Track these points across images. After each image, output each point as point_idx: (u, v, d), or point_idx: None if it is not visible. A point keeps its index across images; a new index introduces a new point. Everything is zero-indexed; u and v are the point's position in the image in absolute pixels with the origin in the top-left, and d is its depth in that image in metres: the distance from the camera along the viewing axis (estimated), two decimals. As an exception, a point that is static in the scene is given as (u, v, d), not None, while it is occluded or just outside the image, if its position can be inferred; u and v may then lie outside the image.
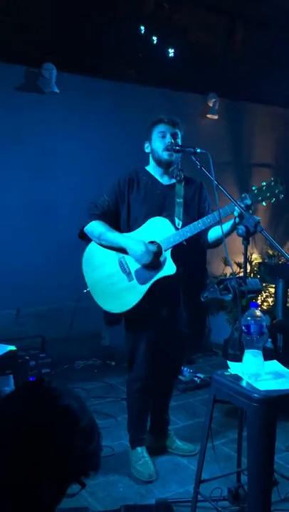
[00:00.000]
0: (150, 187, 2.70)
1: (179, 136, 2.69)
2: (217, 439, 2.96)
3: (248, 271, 4.84)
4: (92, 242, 2.72)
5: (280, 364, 2.13)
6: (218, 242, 2.69)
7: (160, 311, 2.67)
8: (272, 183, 2.45)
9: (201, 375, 4.06)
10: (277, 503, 2.27)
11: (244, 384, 1.92)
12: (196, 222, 2.54)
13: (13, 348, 3.52)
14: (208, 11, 4.63)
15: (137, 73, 4.61)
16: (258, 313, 2.00)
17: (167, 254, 2.59)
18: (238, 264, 4.66)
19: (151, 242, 2.59)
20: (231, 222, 2.48)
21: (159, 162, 2.69)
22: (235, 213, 2.40)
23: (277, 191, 2.43)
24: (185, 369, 4.09)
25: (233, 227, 2.45)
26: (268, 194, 2.45)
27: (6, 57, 3.99)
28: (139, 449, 2.80)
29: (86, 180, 4.30)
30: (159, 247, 2.58)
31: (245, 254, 2.29)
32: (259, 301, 4.73)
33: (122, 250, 2.63)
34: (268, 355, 2.09)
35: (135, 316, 2.63)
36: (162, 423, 2.99)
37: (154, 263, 2.56)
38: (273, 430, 1.85)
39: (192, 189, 2.77)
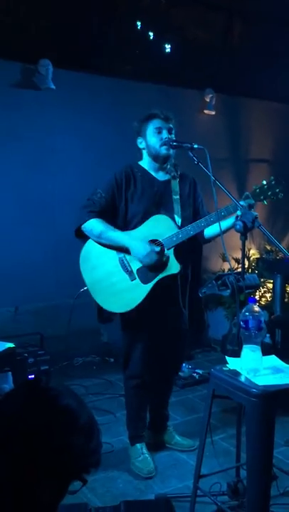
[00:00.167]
0: (147, 183, 2.69)
1: (173, 131, 2.69)
2: (216, 434, 2.97)
3: (246, 266, 4.84)
4: (90, 241, 2.67)
5: (278, 359, 2.13)
6: (214, 238, 2.71)
7: (162, 309, 2.66)
8: (273, 182, 2.46)
9: (200, 371, 4.07)
10: (276, 498, 2.27)
11: (243, 379, 1.93)
12: (198, 221, 2.54)
13: (11, 345, 3.51)
14: (205, 6, 4.61)
15: (134, 69, 4.59)
16: (256, 308, 2.00)
17: (170, 253, 2.58)
18: (236, 260, 4.66)
19: (154, 241, 2.57)
20: (231, 220, 2.47)
21: (156, 158, 2.68)
22: (239, 212, 2.36)
23: (277, 190, 2.44)
24: (184, 365, 4.09)
25: (232, 224, 2.45)
26: (270, 193, 2.46)
27: (2, 53, 3.98)
28: (138, 445, 2.81)
29: (83, 177, 4.28)
30: (162, 246, 2.56)
31: (243, 250, 2.29)
32: (257, 297, 4.73)
33: (123, 249, 2.60)
34: (266, 351, 2.09)
35: (135, 314, 2.59)
36: (162, 419, 3.00)
37: (158, 263, 2.54)
38: (272, 425, 1.86)
39: (186, 185, 2.78)
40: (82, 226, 2.63)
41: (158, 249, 2.53)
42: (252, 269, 4.89)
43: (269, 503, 1.90)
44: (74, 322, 4.14)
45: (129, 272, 2.61)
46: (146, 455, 2.76)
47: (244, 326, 1.97)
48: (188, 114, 4.92)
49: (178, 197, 2.70)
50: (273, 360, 2.12)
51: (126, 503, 1.63)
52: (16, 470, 0.93)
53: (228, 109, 5.28)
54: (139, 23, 4.42)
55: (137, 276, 2.60)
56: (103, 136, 4.41)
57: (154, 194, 2.67)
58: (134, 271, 2.60)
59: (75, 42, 4.19)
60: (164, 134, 2.65)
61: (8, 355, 3.43)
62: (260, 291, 4.85)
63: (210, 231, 2.66)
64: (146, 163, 2.75)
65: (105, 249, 2.64)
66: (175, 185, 2.72)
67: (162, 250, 2.55)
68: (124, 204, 2.65)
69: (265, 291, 4.93)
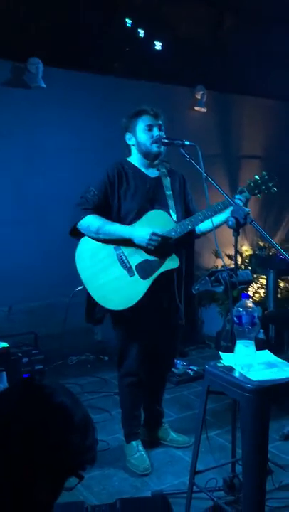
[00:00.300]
0: (139, 180, 2.68)
1: (163, 127, 2.68)
2: (211, 430, 2.98)
3: (239, 263, 4.87)
4: (85, 238, 2.64)
5: (272, 354, 2.14)
6: (206, 233, 2.74)
7: (159, 304, 2.65)
8: (266, 177, 2.51)
9: (194, 368, 4.08)
10: (271, 492, 2.28)
11: (237, 374, 1.93)
12: (196, 215, 2.55)
13: (5, 345, 3.51)
14: (196, 3, 4.60)
15: (125, 67, 4.58)
16: (250, 304, 2.01)
17: (170, 248, 2.59)
18: (229, 257, 4.67)
19: None
20: (224, 215, 2.49)
21: (147, 155, 2.68)
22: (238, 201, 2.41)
23: (271, 184, 2.49)
24: (178, 362, 4.11)
25: (224, 219, 2.47)
26: (263, 187, 2.51)
27: (-8, 52, 3.96)
28: (134, 443, 2.81)
29: (75, 175, 4.27)
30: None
31: (235, 246, 2.30)
32: (250, 293, 4.75)
33: (121, 244, 2.58)
34: (260, 346, 2.10)
35: (131, 311, 2.57)
36: (156, 416, 3.00)
37: (164, 246, 2.53)
38: (267, 420, 1.86)
39: (176, 181, 2.78)
40: (78, 224, 2.60)
41: (158, 230, 2.52)
42: (245, 265, 4.91)
43: (265, 498, 1.91)
44: (68, 321, 4.14)
45: (128, 268, 2.58)
46: (142, 452, 2.77)
47: (237, 321, 1.98)
48: (179, 111, 4.91)
49: (170, 193, 2.71)
50: (267, 355, 2.13)
51: (122, 501, 1.63)
52: (13, 468, 0.93)
53: (219, 106, 5.29)
54: (129, 21, 4.41)
55: (136, 272, 2.58)
56: (94, 134, 4.40)
57: (147, 191, 2.67)
58: (133, 267, 2.58)
59: (65, 40, 4.17)
60: (155, 132, 2.64)
61: (2, 354, 3.44)
62: (253, 288, 4.87)
63: (203, 226, 2.69)
64: (136, 159, 2.73)
65: (102, 245, 2.61)
66: (166, 181, 2.72)
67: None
68: (117, 201, 2.64)
69: (258, 288, 4.95)
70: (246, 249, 5.31)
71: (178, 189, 2.77)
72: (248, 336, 2.00)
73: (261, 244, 5.17)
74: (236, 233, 2.24)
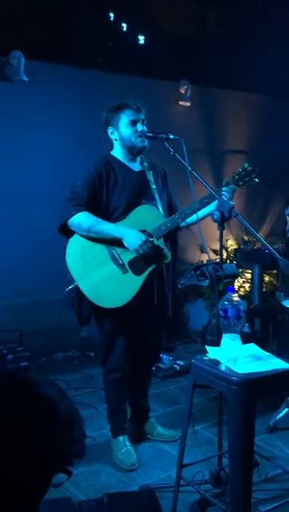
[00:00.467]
0: (126, 174, 2.66)
1: (145, 121, 2.67)
2: (198, 423, 2.99)
3: (224, 257, 4.89)
4: (75, 236, 2.59)
5: (257, 347, 2.15)
6: (189, 226, 2.75)
7: (152, 299, 2.63)
8: (249, 168, 2.53)
9: (181, 362, 4.08)
10: (258, 484, 2.30)
11: (223, 368, 1.94)
12: (184, 209, 2.55)
13: (-11, 342, 3.48)
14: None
15: (108, 61, 4.54)
16: (235, 297, 2.01)
17: (160, 243, 2.58)
18: (214, 251, 4.68)
19: (142, 231, 2.55)
20: (209, 208, 2.51)
21: (131, 149, 2.66)
22: (224, 198, 2.42)
23: (253, 175, 2.52)
24: (164, 357, 4.11)
25: (209, 212, 2.48)
26: (247, 179, 2.54)
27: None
28: (120, 438, 2.80)
29: (59, 170, 4.24)
30: (151, 236, 2.55)
31: (220, 240, 2.30)
32: (236, 287, 4.77)
33: (112, 242, 2.55)
34: (245, 340, 2.10)
35: (122, 308, 2.55)
36: (142, 410, 3.00)
37: (153, 252, 2.52)
38: (253, 412, 1.87)
39: (158, 175, 2.78)
40: (69, 221, 2.54)
41: (152, 239, 2.52)
42: (230, 259, 4.93)
43: (251, 490, 1.92)
44: (54, 317, 4.11)
45: (121, 265, 2.56)
46: (129, 447, 2.76)
47: (223, 315, 1.98)
48: (163, 106, 4.90)
49: (155, 186, 2.70)
50: (253, 348, 2.14)
51: (109, 496, 1.62)
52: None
53: (203, 101, 5.28)
54: (112, 14, 4.38)
55: (129, 269, 2.56)
56: (78, 128, 4.36)
57: (134, 185, 2.65)
58: (126, 263, 2.56)
59: (47, 33, 4.12)
60: (139, 127, 2.63)
61: (-13, 352, 3.40)
62: (238, 282, 4.89)
63: (188, 219, 2.68)
64: (119, 154, 2.71)
65: (94, 243, 2.57)
66: (150, 175, 2.71)
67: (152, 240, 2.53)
68: (105, 195, 2.60)
69: (243, 282, 4.98)
70: (231, 244, 5.33)
71: (160, 183, 2.77)
72: (233, 330, 2.00)
73: (246, 238, 5.20)
74: (221, 227, 2.25)
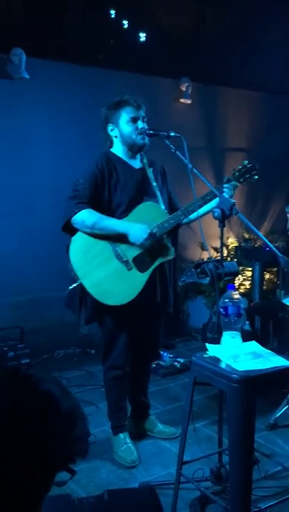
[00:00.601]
0: (127, 172, 2.66)
1: (145, 118, 2.66)
2: (198, 421, 3.00)
3: (225, 255, 4.89)
4: (78, 234, 2.57)
5: (258, 345, 2.15)
6: (189, 223, 2.75)
7: (154, 296, 2.64)
8: (249, 165, 2.54)
9: (181, 360, 4.09)
10: (258, 481, 2.31)
11: (223, 365, 1.94)
12: (187, 206, 2.55)
13: (-10, 339, 3.48)
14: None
15: (109, 58, 4.54)
16: (236, 295, 2.02)
17: (165, 239, 2.58)
18: (215, 249, 4.68)
19: None
20: (210, 205, 2.52)
21: (132, 146, 2.66)
22: (226, 195, 2.41)
23: (253, 172, 2.52)
24: (165, 354, 4.12)
25: (209, 209, 2.49)
26: (247, 175, 2.55)
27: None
28: (121, 435, 2.81)
29: (59, 167, 4.24)
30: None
31: (221, 237, 2.30)
32: (236, 285, 4.77)
33: (116, 239, 2.54)
34: (246, 338, 2.11)
35: (121, 306, 2.54)
36: (143, 407, 3.00)
37: (158, 246, 2.52)
38: (253, 410, 1.88)
39: (158, 172, 2.78)
40: (73, 218, 2.52)
41: (155, 230, 2.52)
42: (231, 257, 4.93)
43: (251, 487, 1.92)
44: (55, 315, 4.11)
45: (125, 262, 2.55)
46: (130, 444, 2.77)
47: (224, 312, 1.98)
48: (164, 103, 4.90)
49: (156, 184, 2.70)
50: (253, 346, 2.14)
51: (109, 492, 1.62)
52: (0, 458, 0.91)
53: (204, 98, 5.27)
54: (113, 12, 4.37)
55: (133, 266, 2.55)
56: (79, 126, 4.36)
57: (135, 182, 2.65)
58: (130, 260, 2.56)
59: (48, 31, 4.12)
60: (140, 124, 2.62)
61: (-12, 349, 3.40)
62: (239, 280, 4.90)
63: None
64: (120, 151, 2.70)
65: (97, 240, 2.55)
66: (150, 172, 2.71)
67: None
68: (107, 193, 2.59)
69: (244, 279, 4.98)
70: (232, 242, 5.33)
71: (160, 180, 2.77)
72: (234, 327, 2.01)
73: (247, 236, 5.20)
74: (222, 224, 2.25)
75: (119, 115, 2.64)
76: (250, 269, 4.57)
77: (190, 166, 2.37)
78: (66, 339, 4.37)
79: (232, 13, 4.77)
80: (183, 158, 2.39)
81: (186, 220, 2.69)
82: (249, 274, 4.76)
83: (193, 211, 2.53)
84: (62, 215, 2.58)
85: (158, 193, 2.67)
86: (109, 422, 2.87)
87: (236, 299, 2.00)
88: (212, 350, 2.07)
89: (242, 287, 4.90)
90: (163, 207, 2.66)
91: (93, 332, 4.34)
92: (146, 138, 2.63)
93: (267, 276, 4.82)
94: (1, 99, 4.11)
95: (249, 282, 4.84)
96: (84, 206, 2.52)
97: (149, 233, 2.49)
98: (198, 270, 2.34)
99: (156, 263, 2.58)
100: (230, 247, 5.16)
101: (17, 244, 4.20)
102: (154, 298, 2.63)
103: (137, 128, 2.62)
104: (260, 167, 2.58)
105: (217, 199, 2.39)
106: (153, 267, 2.57)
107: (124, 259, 2.56)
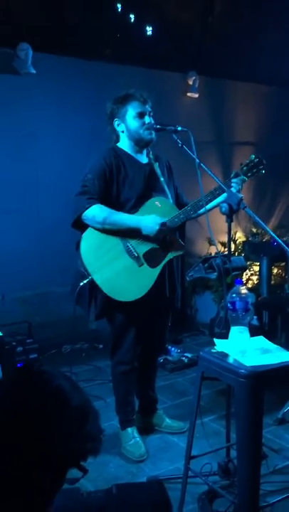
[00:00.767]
0: (135, 167, 2.65)
1: (152, 112, 2.65)
2: (206, 415, 3.00)
3: (233, 250, 4.87)
4: (89, 231, 2.56)
5: (266, 340, 2.14)
6: (196, 217, 2.73)
7: (163, 292, 2.64)
8: (256, 160, 2.54)
9: (189, 355, 4.09)
10: (266, 476, 2.31)
11: (231, 360, 1.94)
12: (197, 200, 2.54)
13: (-1, 334, 3.50)
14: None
15: (115, 52, 4.52)
16: (243, 289, 2.01)
17: (175, 233, 2.59)
18: (223, 244, 4.67)
19: None
20: (217, 199, 2.51)
21: (139, 141, 2.65)
22: (234, 190, 2.42)
23: (261, 167, 2.51)
24: (172, 349, 4.12)
25: (217, 204, 2.49)
26: (255, 170, 2.54)
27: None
28: (129, 429, 2.82)
29: (66, 162, 4.24)
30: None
31: (229, 232, 2.29)
32: (244, 280, 4.76)
33: (127, 234, 2.53)
34: (253, 333, 2.10)
35: (131, 302, 2.53)
36: (150, 402, 3.01)
37: (170, 237, 2.52)
38: (261, 405, 1.87)
39: (164, 167, 2.77)
40: (83, 214, 2.50)
41: (166, 220, 2.52)
42: (238, 252, 4.91)
43: (259, 482, 1.92)
44: (62, 310, 4.13)
45: (136, 258, 2.55)
46: (138, 439, 2.78)
47: (231, 307, 1.98)
48: (171, 97, 4.87)
49: (163, 179, 2.69)
50: (261, 341, 2.13)
51: (118, 486, 1.63)
52: (11, 452, 0.91)
53: (211, 92, 5.24)
54: (119, 6, 4.35)
55: (144, 261, 2.55)
56: (85, 120, 4.35)
57: (143, 177, 2.64)
58: (141, 256, 2.55)
59: (55, 25, 4.11)
60: (147, 119, 2.61)
61: (-4, 344, 3.42)
62: (246, 274, 4.88)
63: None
64: (126, 146, 2.69)
65: (107, 236, 2.54)
66: (156, 167, 2.70)
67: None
68: (115, 188, 2.58)
69: (251, 274, 4.96)
70: (240, 236, 5.32)
71: (167, 174, 2.76)
72: (241, 322, 2.00)
73: (254, 230, 5.18)
74: (230, 219, 2.24)
75: (126, 110, 2.62)
76: (258, 263, 4.55)
77: (197, 160, 2.36)
78: (74, 334, 4.37)
79: (239, 6, 4.73)
80: (190, 152, 2.38)
81: (195, 215, 2.69)
82: (257, 268, 4.74)
83: (202, 206, 2.51)
84: (72, 211, 2.56)
85: (166, 188, 2.67)
86: (117, 417, 2.88)
87: (244, 293, 2.00)
88: (220, 345, 2.07)
89: (250, 282, 4.89)
90: (171, 201, 2.65)
91: (101, 327, 4.35)
92: (153, 133, 2.62)
93: (275, 270, 4.80)
94: (7, 95, 4.11)
95: (257, 277, 4.82)
96: (94, 202, 2.50)
97: (161, 223, 2.49)
98: (206, 265, 2.33)
99: (167, 258, 2.58)
100: (237, 242, 5.14)
101: (24, 239, 4.21)
102: (163, 293, 2.63)
103: (144, 123, 2.60)
104: (268, 161, 2.57)
105: (225, 194, 2.39)
106: (164, 262, 2.57)
107: (135, 255, 2.55)
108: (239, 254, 4.70)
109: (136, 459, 2.68)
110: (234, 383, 1.88)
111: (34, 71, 4.11)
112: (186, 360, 4.03)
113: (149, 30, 4.54)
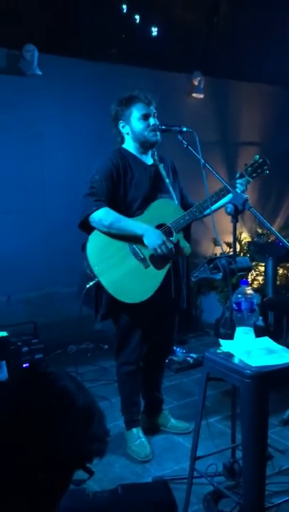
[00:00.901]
0: (140, 168, 2.65)
1: (156, 113, 2.65)
2: (211, 416, 3.00)
3: (238, 250, 4.87)
4: (95, 233, 2.55)
5: (271, 340, 2.14)
6: (202, 218, 2.73)
7: (169, 293, 2.64)
8: (260, 160, 2.55)
9: (194, 355, 4.09)
10: (271, 477, 2.30)
11: (236, 361, 1.94)
12: (202, 201, 2.54)
13: (4, 334, 3.51)
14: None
15: (121, 53, 4.54)
16: (249, 290, 2.01)
17: (180, 236, 2.58)
18: (228, 244, 4.66)
19: (161, 225, 2.57)
20: (223, 200, 2.52)
21: (144, 143, 2.65)
22: (238, 190, 2.43)
23: (265, 167, 2.52)
24: (178, 349, 4.12)
25: (222, 204, 2.49)
26: (259, 170, 2.56)
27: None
28: (134, 430, 2.82)
29: (72, 163, 4.26)
30: (170, 230, 2.56)
31: (234, 232, 2.29)
32: (249, 280, 4.75)
33: (133, 238, 2.53)
34: (259, 333, 2.10)
35: (137, 303, 2.53)
36: (156, 402, 3.01)
37: (170, 255, 2.52)
38: (266, 405, 1.87)
39: (169, 168, 2.78)
40: (91, 216, 2.50)
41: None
42: (244, 252, 4.91)
43: (265, 483, 1.92)
44: (68, 310, 4.14)
45: (142, 260, 2.55)
46: (143, 439, 2.78)
47: (237, 308, 1.98)
48: (176, 98, 4.87)
49: (168, 180, 2.69)
50: (266, 341, 2.13)
51: (123, 487, 1.64)
52: (16, 452, 0.91)
53: (216, 92, 5.24)
54: (125, 7, 4.36)
55: (150, 263, 2.55)
56: (91, 121, 4.36)
57: (149, 179, 2.64)
58: (147, 257, 2.55)
59: (60, 26, 4.12)
60: (152, 121, 2.61)
61: (2, 344, 3.43)
62: (252, 275, 4.87)
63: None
64: (132, 148, 2.69)
65: (114, 239, 2.54)
66: (162, 168, 2.71)
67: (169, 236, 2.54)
68: (122, 189, 2.58)
69: (257, 275, 4.95)
70: (245, 237, 5.31)
71: (172, 176, 2.76)
72: (247, 323, 2.00)
73: (260, 231, 5.17)
74: (235, 220, 2.24)
75: (130, 112, 2.62)
76: (263, 264, 4.54)
77: (202, 161, 2.36)
78: (80, 334, 4.38)
79: (244, 6, 4.73)
80: (195, 153, 2.38)
81: (200, 216, 2.69)
82: (262, 269, 4.73)
83: (208, 207, 2.52)
84: (79, 211, 2.56)
85: (171, 189, 2.67)
86: (123, 417, 2.88)
87: (249, 294, 2.00)
88: (225, 345, 2.07)
89: (255, 282, 4.88)
90: (177, 203, 2.66)
91: (107, 327, 4.36)
92: (159, 134, 2.62)
93: (280, 271, 4.79)
94: (13, 96, 4.12)
95: (262, 277, 4.81)
96: (102, 204, 2.50)
97: (164, 240, 2.48)
98: (211, 266, 2.33)
99: (172, 260, 2.58)
100: (243, 243, 5.14)
101: (29, 239, 4.23)
102: (168, 294, 2.63)
103: (148, 125, 2.60)
104: (273, 161, 2.57)
105: (230, 194, 2.39)
106: (169, 264, 2.57)
107: (142, 257, 2.56)
108: (244, 255, 4.69)
109: (141, 460, 2.68)
110: (239, 384, 1.88)
111: (40, 72, 4.12)
112: (191, 361, 4.03)
113: (154, 30, 4.56)
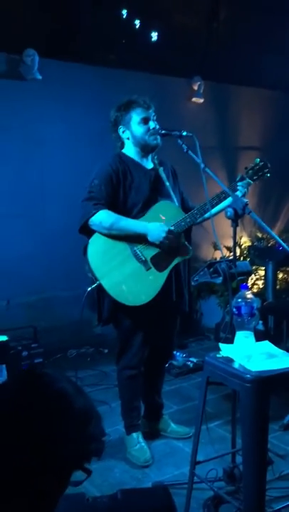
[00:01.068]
0: (140, 172, 2.65)
1: (155, 117, 2.66)
2: (211, 421, 2.99)
3: (238, 254, 4.87)
4: (96, 236, 2.55)
5: (271, 344, 2.14)
6: (202, 222, 2.74)
7: (170, 296, 2.63)
8: (261, 163, 2.56)
9: (194, 359, 4.08)
10: (272, 482, 2.30)
11: (236, 365, 1.93)
12: (203, 204, 2.54)
13: (4, 338, 3.51)
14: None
15: (121, 58, 4.55)
16: (249, 294, 2.01)
17: (182, 238, 2.59)
18: (228, 248, 4.67)
19: None
20: (223, 204, 2.52)
21: (144, 147, 2.66)
22: (239, 194, 2.44)
23: (266, 170, 2.53)
24: (178, 354, 4.11)
25: (222, 208, 2.50)
26: (260, 173, 2.57)
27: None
28: (134, 434, 2.81)
29: (72, 167, 4.26)
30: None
31: (234, 237, 2.29)
32: (249, 284, 4.75)
33: (134, 239, 2.53)
34: (259, 337, 2.10)
35: (139, 306, 2.53)
36: (156, 407, 3.01)
37: (176, 243, 2.53)
38: (266, 410, 1.86)
39: (169, 172, 2.78)
40: (90, 220, 2.50)
41: (173, 228, 2.52)
42: (244, 256, 4.91)
43: (265, 488, 1.91)
44: (68, 314, 4.13)
45: (144, 262, 2.55)
46: (143, 444, 2.77)
47: (237, 312, 1.98)
48: (176, 103, 4.89)
49: (168, 183, 2.70)
50: (267, 346, 2.13)
51: (123, 492, 1.63)
52: (14, 454, 0.91)
53: (216, 97, 5.25)
54: (125, 12, 4.38)
55: (151, 265, 2.55)
56: (91, 126, 4.37)
57: (149, 182, 2.65)
58: (149, 260, 2.55)
59: (60, 31, 4.14)
60: (152, 125, 2.62)
61: (2, 348, 3.43)
62: (252, 279, 4.87)
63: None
64: (132, 152, 2.69)
65: (115, 241, 2.54)
66: (161, 172, 2.71)
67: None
68: (122, 193, 2.59)
69: (257, 279, 4.95)
70: (245, 241, 5.31)
71: (172, 179, 2.77)
72: (247, 327, 2.00)
73: (260, 235, 5.17)
74: (235, 224, 2.24)
75: (130, 117, 2.63)
76: (263, 268, 4.54)
77: (202, 165, 2.37)
78: (79, 338, 4.38)
79: (244, 12, 4.75)
80: (196, 157, 2.38)
81: (201, 219, 2.69)
82: (262, 273, 4.73)
83: (209, 209, 2.52)
84: (78, 216, 2.56)
85: (172, 193, 2.67)
86: (123, 422, 2.87)
87: (249, 298, 1.99)
88: (225, 350, 2.07)
89: (255, 287, 4.88)
90: (178, 205, 2.66)
91: (106, 331, 4.35)
92: (159, 138, 2.62)
93: (280, 275, 4.79)
94: (13, 100, 4.14)
95: (262, 282, 4.81)
96: (101, 207, 2.51)
97: (168, 230, 2.49)
98: (211, 270, 2.34)
99: (175, 262, 2.58)
100: (243, 247, 5.14)
101: (29, 243, 4.23)
102: (169, 297, 2.63)
103: (149, 128, 2.61)
104: (273, 166, 2.58)
105: (230, 198, 2.39)
106: (171, 266, 2.57)
107: (143, 259, 2.55)
108: (244, 259, 4.70)
109: (141, 464, 2.67)
110: (239, 388, 1.88)
111: (40, 77, 4.14)
112: (191, 365, 4.02)
113: (154, 35, 4.57)
